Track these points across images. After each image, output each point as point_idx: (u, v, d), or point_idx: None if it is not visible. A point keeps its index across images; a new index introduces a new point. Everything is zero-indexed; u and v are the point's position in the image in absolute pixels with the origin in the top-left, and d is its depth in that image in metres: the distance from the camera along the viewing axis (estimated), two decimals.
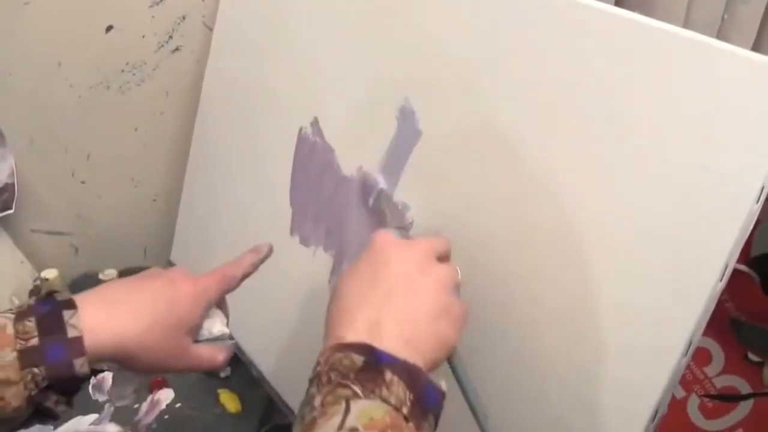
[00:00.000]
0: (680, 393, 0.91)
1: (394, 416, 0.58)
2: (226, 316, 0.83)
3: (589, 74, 0.72)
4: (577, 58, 0.73)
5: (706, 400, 0.91)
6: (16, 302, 1.39)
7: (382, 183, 0.91)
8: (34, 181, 1.37)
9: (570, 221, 0.73)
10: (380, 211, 0.89)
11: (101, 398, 1.18)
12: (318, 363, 0.63)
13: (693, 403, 0.92)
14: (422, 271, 0.70)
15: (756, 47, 1.47)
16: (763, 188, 0.62)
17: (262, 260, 0.84)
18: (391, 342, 0.63)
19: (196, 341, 0.78)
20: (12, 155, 1.28)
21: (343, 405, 0.58)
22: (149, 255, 1.51)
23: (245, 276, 0.83)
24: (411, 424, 0.59)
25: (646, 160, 0.67)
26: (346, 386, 0.59)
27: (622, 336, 0.70)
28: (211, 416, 1.20)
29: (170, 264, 1.41)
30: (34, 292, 1.38)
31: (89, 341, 0.68)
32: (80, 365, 0.68)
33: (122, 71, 1.33)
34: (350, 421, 0.57)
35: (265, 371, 1.15)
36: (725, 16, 1.40)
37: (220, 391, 1.24)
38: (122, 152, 1.40)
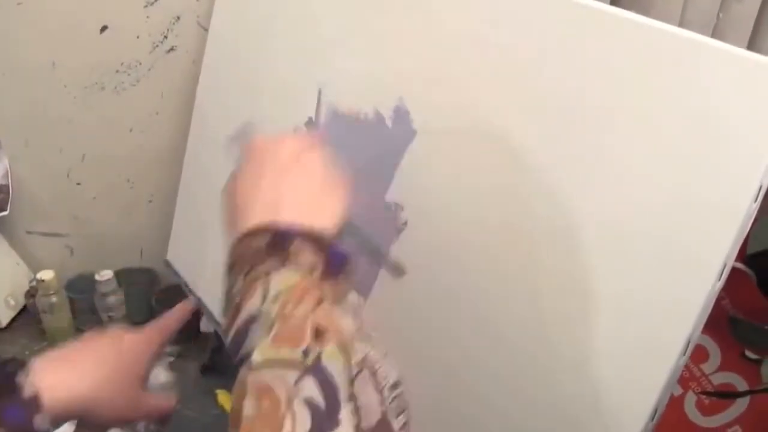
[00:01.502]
0: (677, 390, 0.91)
1: (312, 281, 0.62)
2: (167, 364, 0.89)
3: (586, 73, 0.72)
4: (573, 57, 0.73)
5: (703, 397, 0.91)
6: (12, 303, 1.40)
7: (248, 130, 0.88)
8: (30, 183, 1.37)
9: (567, 220, 0.73)
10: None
11: None
12: (228, 256, 0.66)
13: (690, 401, 0.92)
14: (297, 159, 0.73)
15: (751, 46, 1.47)
16: (761, 187, 0.61)
17: (189, 313, 0.91)
18: (288, 216, 0.67)
19: (146, 391, 0.83)
20: (6, 157, 1.28)
21: (261, 281, 0.62)
22: (145, 256, 1.51)
23: (178, 328, 0.89)
24: (328, 283, 0.63)
25: (643, 159, 0.67)
26: (261, 264, 0.63)
27: (621, 335, 0.70)
28: (210, 417, 1.20)
29: (167, 264, 1.41)
30: (31, 293, 1.38)
31: (47, 399, 0.72)
32: (40, 421, 0.71)
33: (117, 72, 1.33)
34: (272, 292, 0.61)
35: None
36: (720, 15, 1.40)
37: (218, 391, 1.24)
38: (117, 153, 1.40)
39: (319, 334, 0.57)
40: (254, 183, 0.71)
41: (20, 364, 0.73)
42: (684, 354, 0.66)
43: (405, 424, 0.58)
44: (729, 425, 0.90)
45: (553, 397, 0.76)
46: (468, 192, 0.82)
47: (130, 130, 1.39)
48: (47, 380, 0.73)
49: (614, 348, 0.71)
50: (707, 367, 0.90)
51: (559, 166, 0.74)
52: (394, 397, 0.58)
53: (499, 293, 0.80)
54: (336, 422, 0.53)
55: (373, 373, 0.57)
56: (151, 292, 1.44)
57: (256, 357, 0.57)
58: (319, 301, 0.60)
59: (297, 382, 0.54)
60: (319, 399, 0.53)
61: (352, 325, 0.60)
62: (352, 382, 0.55)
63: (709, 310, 0.65)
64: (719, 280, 0.64)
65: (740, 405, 0.88)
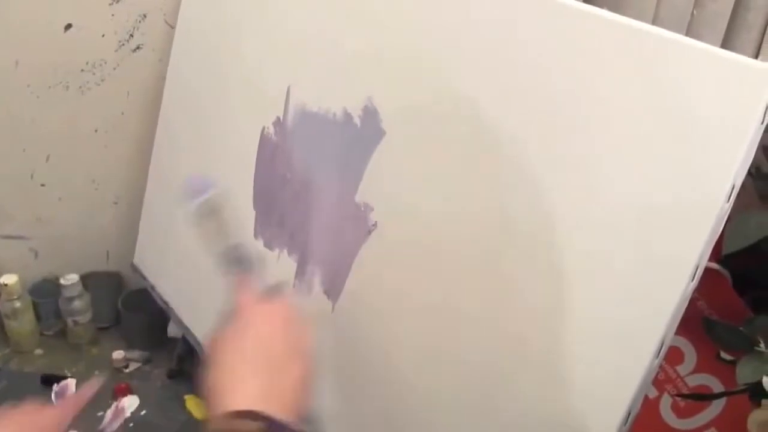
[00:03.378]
0: (653, 393, 0.91)
1: None
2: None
3: (557, 71, 0.71)
4: (546, 55, 0.72)
5: (678, 399, 0.90)
6: None
7: (209, 190, 0.84)
8: None
9: (538, 220, 0.72)
10: (204, 223, 0.84)
11: None
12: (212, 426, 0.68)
13: (665, 403, 0.91)
14: (285, 331, 0.76)
15: (725, 44, 1.47)
16: (733, 186, 0.61)
17: (95, 393, 0.91)
18: (279, 405, 0.69)
19: None
20: None
21: None
22: (111, 259, 1.49)
23: (82, 407, 0.90)
24: None
25: (615, 158, 0.67)
26: None
27: (594, 337, 0.69)
28: (178, 423, 1.18)
29: (134, 267, 1.39)
30: None
31: None
32: None
33: (82, 71, 1.31)
34: None
35: None
36: (694, 13, 1.40)
37: (186, 397, 1.23)
38: (82, 154, 1.38)
39: None
40: (248, 358, 0.72)
41: None
42: (658, 356, 0.66)
43: None
44: (705, 427, 0.89)
45: (525, 401, 0.75)
46: (437, 192, 0.81)
47: (96, 131, 1.37)
48: None
49: (587, 350, 0.70)
50: (683, 369, 0.90)
51: (530, 165, 0.73)
52: None
53: (468, 293, 0.79)
54: None
55: None
56: (117, 295, 1.42)
57: None
58: None
59: None
60: None
61: None
62: None
63: (682, 311, 0.65)
64: (693, 280, 0.63)
65: (716, 407, 0.88)
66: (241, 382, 0.70)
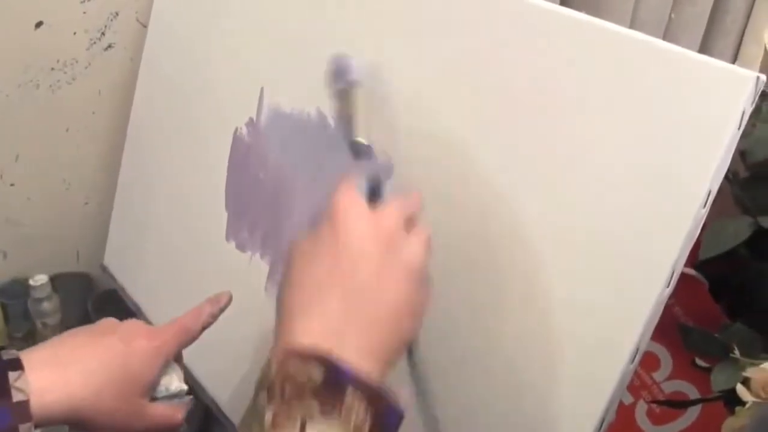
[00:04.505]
0: (628, 399, 0.90)
1: None
2: (183, 370, 0.79)
3: (535, 76, 0.70)
4: (522, 58, 0.71)
5: (654, 405, 0.90)
6: None
7: (355, 72, 0.77)
8: None
9: (510, 227, 0.72)
10: (344, 114, 0.76)
11: None
12: (269, 366, 0.57)
13: (641, 409, 0.91)
14: (389, 251, 0.62)
15: (703, 48, 1.47)
16: (709, 192, 0.61)
17: (222, 310, 0.80)
18: (353, 354, 0.57)
19: (153, 398, 0.75)
20: None
21: (298, 425, 0.54)
22: (82, 259, 1.47)
23: (204, 328, 0.78)
24: None
25: (590, 163, 0.67)
26: (301, 403, 0.55)
27: (568, 343, 0.69)
28: None
29: (104, 269, 1.38)
30: None
31: (36, 405, 0.64)
32: (26, 431, 0.63)
33: (52, 69, 1.29)
34: None
35: (202, 379, 1.11)
36: (672, 16, 1.40)
37: None
38: (53, 153, 1.36)
39: None
40: (324, 278, 0.61)
41: (15, 362, 0.65)
42: (632, 362, 0.65)
43: None
44: None
45: (496, 408, 0.75)
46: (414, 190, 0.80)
47: (67, 130, 1.35)
48: (41, 383, 0.65)
49: (561, 356, 0.70)
50: (658, 375, 0.90)
51: (505, 168, 0.72)
52: None
53: (441, 297, 0.77)
54: None
55: None
56: (87, 297, 1.39)
57: None
58: None
59: None
60: None
61: None
62: None
63: (658, 317, 0.64)
64: (668, 286, 0.63)
65: (691, 414, 0.88)
66: (311, 307, 0.60)
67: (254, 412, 0.57)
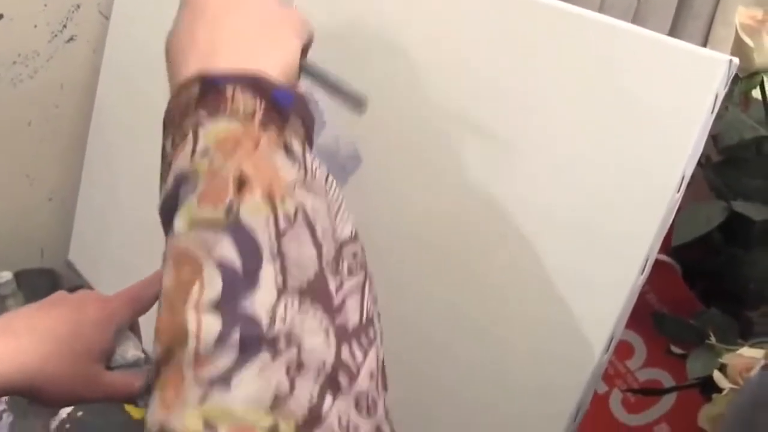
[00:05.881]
0: (602, 388, 0.90)
1: (248, 126, 0.54)
2: (140, 339, 0.79)
3: (504, 60, 0.70)
4: (492, 43, 0.71)
5: (628, 394, 0.90)
6: None
7: None
8: None
9: (484, 213, 0.71)
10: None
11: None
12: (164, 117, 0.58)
13: (615, 398, 0.91)
14: None
15: (672, 32, 1.48)
16: (683, 177, 0.60)
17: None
18: (226, 62, 0.58)
19: (110, 368, 0.74)
20: None
21: (190, 134, 0.54)
22: (46, 256, 1.45)
23: (158, 296, 0.78)
24: (271, 130, 0.54)
25: (562, 149, 0.66)
26: (189, 119, 0.55)
27: (541, 332, 0.69)
28: (115, 425, 1.15)
29: (69, 265, 1.36)
30: None
31: None
32: None
33: (14, 63, 1.27)
34: (201, 146, 0.53)
35: None
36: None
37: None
38: (15, 148, 1.34)
39: (242, 183, 0.50)
40: (190, 31, 0.62)
41: None
42: (607, 350, 0.65)
43: (363, 284, 0.52)
44: (656, 422, 0.89)
45: (471, 399, 0.74)
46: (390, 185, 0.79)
47: (29, 124, 1.33)
48: None
49: (534, 345, 0.69)
50: (632, 364, 0.90)
51: (477, 155, 0.72)
52: (341, 252, 0.51)
53: (415, 287, 0.78)
54: (254, 282, 0.47)
55: (311, 226, 0.50)
56: (52, 293, 1.37)
57: (179, 222, 0.51)
58: (255, 148, 0.53)
59: (213, 243, 0.48)
60: (234, 260, 0.47)
61: (293, 174, 0.53)
62: (280, 236, 0.49)
63: (632, 305, 0.64)
64: (642, 273, 0.63)
65: (667, 402, 0.88)
66: (186, 51, 0.60)
67: (162, 157, 0.58)
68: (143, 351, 0.78)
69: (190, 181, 0.52)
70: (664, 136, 0.61)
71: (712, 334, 0.75)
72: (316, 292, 0.48)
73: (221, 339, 0.45)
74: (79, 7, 1.27)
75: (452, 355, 0.75)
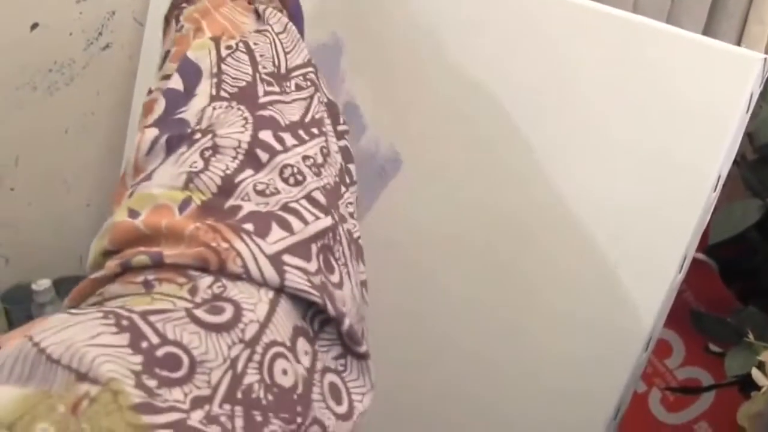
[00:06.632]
0: (641, 387, 0.90)
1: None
2: None
3: (540, 62, 0.70)
4: (527, 45, 0.71)
5: (667, 393, 0.90)
6: None
7: None
8: None
9: (524, 216, 0.72)
10: None
11: None
12: None
13: (655, 397, 0.90)
14: None
15: (706, 31, 1.46)
16: (719, 176, 0.61)
17: None
18: None
19: None
20: None
21: (173, 22, 0.61)
22: (85, 263, 1.45)
23: None
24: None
25: (599, 151, 0.66)
26: (176, 9, 0.62)
27: (582, 331, 0.69)
28: None
29: None
30: None
31: None
32: None
33: (50, 71, 1.28)
34: (180, 25, 0.59)
35: None
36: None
37: None
38: (53, 156, 1.35)
39: (197, 32, 0.57)
40: None
41: None
42: (646, 349, 0.65)
43: (311, 96, 0.56)
44: (695, 421, 0.88)
45: (514, 398, 0.74)
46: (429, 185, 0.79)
47: (66, 132, 1.34)
48: None
49: (575, 345, 0.69)
50: (671, 362, 0.89)
51: (516, 157, 0.72)
52: (288, 74, 0.56)
53: (450, 289, 0.78)
54: (191, 96, 0.52)
55: (250, 52, 0.56)
56: None
57: (155, 83, 0.57)
58: (216, 9, 0.59)
59: (166, 83, 0.54)
60: (178, 85, 0.53)
61: (250, 24, 0.59)
62: (221, 60, 0.54)
63: (670, 303, 0.64)
64: (680, 272, 0.63)
65: (706, 400, 0.87)
66: None
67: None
68: None
69: (168, 54, 0.58)
70: (699, 136, 0.61)
71: (749, 332, 0.75)
72: (244, 96, 0.53)
73: (153, 145, 0.50)
74: (114, 14, 1.28)
75: (489, 357, 0.75)
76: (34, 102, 1.29)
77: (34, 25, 1.24)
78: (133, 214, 0.46)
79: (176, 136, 0.50)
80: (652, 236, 0.63)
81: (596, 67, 0.66)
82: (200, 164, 0.48)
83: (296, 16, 0.65)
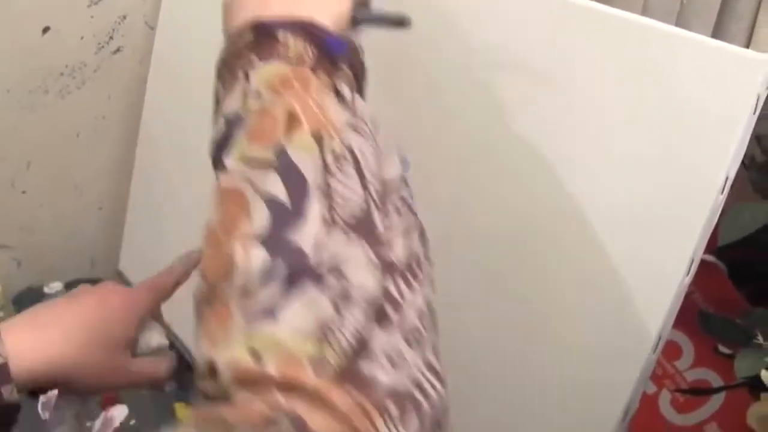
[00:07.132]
0: (651, 388, 0.90)
1: (298, 69, 0.55)
2: (163, 326, 0.82)
3: (549, 65, 0.70)
4: (535, 47, 0.71)
5: (677, 394, 0.90)
6: None
7: None
8: None
9: (532, 220, 0.72)
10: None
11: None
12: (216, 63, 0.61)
13: (664, 398, 0.91)
14: None
15: (715, 34, 1.46)
16: (727, 178, 0.61)
17: (194, 266, 0.81)
18: (280, 10, 0.59)
19: (135, 356, 0.77)
20: None
21: (242, 76, 0.56)
22: (96, 266, 1.47)
23: (178, 284, 0.81)
24: (320, 74, 0.56)
25: (607, 153, 0.66)
26: (241, 60, 0.57)
27: (590, 333, 0.69)
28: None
29: (119, 274, 1.38)
30: None
31: (16, 367, 0.65)
32: (8, 393, 0.64)
33: (61, 74, 1.29)
34: (252, 87, 0.55)
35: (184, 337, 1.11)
36: (684, 2, 1.39)
37: (176, 404, 1.21)
38: (64, 159, 1.36)
39: (292, 121, 0.51)
40: None
41: None
42: (654, 351, 0.65)
43: (410, 227, 0.52)
44: (705, 422, 0.88)
45: (521, 398, 0.75)
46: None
47: (77, 135, 1.35)
48: (19, 346, 0.66)
49: (583, 346, 0.70)
50: (681, 364, 0.89)
51: (523, 158, 0.72)
52: (387, 193, 0.51)
53: (462, 288, 0.78)
54: (300, 215, 0.47)
55: (357, 164, 0.51)
56: None
57: (229, 161, 0.52)
58: (305, 89, 0.54)
59: (262, 180, 0.49)
60: (281, 194, 0.48)
61: (342, 114, 0.54)
62: (328, 172, 0.49)
63: (678, 305, 0.64)
64: (688, 274, 0.63)
65: (716, 401, 0.87)
66: (240, 2, 0.62)
67: (214, 102, 0.60)
68: (167, 338, 0.80)
69: (240, 121, 0.54)
70: (707, 138, 0.61)
71: (759, 334, 0.75)
72: (362, 228, 0.48)
73: (268, 271, 0.45)
74: (125, 18, 1.28)
75: (499, 355, 0.76)
76: (45, 105, 1.29)
77: (46, 29, 1.24)
78: (256, 357, 0.43)
79: (297, 268, 0.45)
80: (659, 238, 0.63)
81: (605, 70, 0.66)
82: (332, 315, 0.44)
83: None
